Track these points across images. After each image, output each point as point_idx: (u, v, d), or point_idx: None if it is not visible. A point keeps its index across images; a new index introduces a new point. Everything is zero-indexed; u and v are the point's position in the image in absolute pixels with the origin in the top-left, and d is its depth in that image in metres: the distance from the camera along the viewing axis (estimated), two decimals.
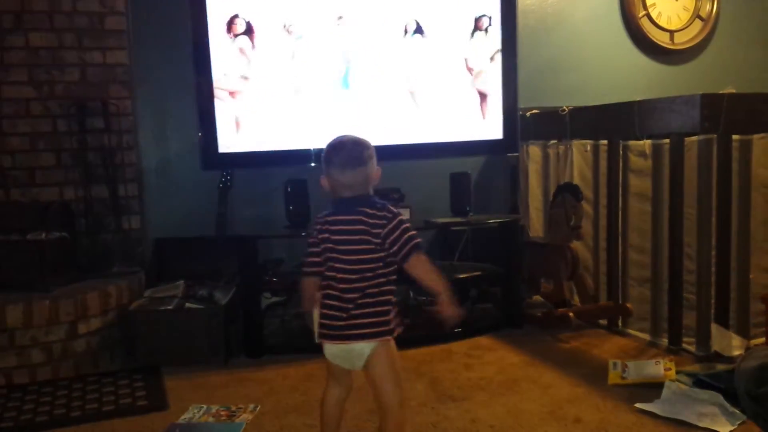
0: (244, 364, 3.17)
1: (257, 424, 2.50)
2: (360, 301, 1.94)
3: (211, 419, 2.56)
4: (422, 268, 1.97)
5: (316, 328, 2.01)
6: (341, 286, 1.96)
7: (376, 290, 1.96)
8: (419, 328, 3.40)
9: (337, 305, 1.96)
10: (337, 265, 1.98)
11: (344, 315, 1.95)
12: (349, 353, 1.99)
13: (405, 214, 3.45)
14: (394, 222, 1.94)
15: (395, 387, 2.01)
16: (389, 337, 2.00)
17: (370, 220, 1.93)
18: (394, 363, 2.02)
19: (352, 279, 1.95)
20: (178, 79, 3.64)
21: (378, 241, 1.93)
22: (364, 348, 1.97)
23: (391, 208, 1.98)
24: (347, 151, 1.99)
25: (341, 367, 2.05)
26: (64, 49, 3.49)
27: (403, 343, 3.25)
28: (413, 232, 1.95)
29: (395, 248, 1.93)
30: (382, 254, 1.95)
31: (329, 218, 2.01)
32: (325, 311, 1.99)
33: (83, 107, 3.50)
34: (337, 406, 2.10)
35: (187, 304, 3.23)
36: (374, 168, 2.02)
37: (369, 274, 1.95)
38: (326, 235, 2.00)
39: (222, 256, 3.54)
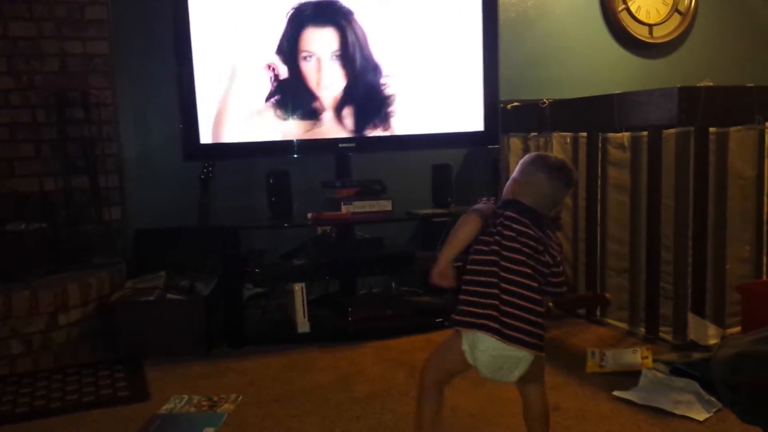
0: (225, 355, 3.18)
1: (239, 414, 2.50)
2: None
3: (192, 410, 2.56)
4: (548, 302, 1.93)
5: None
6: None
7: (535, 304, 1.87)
8: (401, 318, 3.41)
9: None
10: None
11: None
12: (516, 360, 1.85)
13: (387, 206, 3.50)
14: (562, 255, 1.95)
15: None
16: None
17: (553, 243, 1.90)
18: None
19: None
20: (159, 69, 3.62)
21: (551, 263, 1.89)
22: (526, 357, 1.85)
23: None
24: (570, 173, 1.92)
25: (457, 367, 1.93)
26: (43, 39, 3.46)
27: (383, 333, 3.32)
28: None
29: (558, 279, 1.91)
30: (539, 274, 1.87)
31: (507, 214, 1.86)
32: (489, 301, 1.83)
33: (63, 98, 3.48)
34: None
35: (169, 295, 3.22)
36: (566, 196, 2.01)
37: (534, 283, 1.87)
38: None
39: (204, 247, 3.53)
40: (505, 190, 1.96)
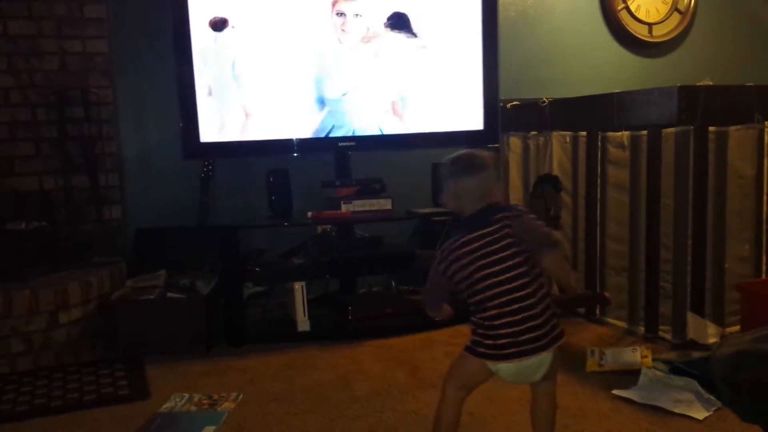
0: (225, 353, 3.18)
1: (239, 413, 2.51)
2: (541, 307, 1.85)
3: (193, 408, 2.57)
4: (554, 261, 1.87)
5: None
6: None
7: (540, 294, 1.86)
8: (401, 317, 3.42)
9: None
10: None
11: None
12: (536, 365, 1.88)
13: (387, 205, 3.50)
14: (526, 214, 1.89)
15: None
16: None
17: (498, 223, 1.85)
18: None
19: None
20: (159, 68, 3.62)
21: (515, 239, 1.83)
22: (548, 357, 1.88)
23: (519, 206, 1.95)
24: (469, 156, 1.92)
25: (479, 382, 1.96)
26: (43, 38, 3.46)
27: (383, 331, 3.32)
28: (545, 226, 1.91)
29: (531, 236, 1.85)
30: (522, 256, 1.84)
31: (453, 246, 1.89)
32: (503, 332, 1.83)
33: (63, 96, 3.48)
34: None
35: (169, 294, 3.23)
36: (497, 177, 2.00)
37: (526, 279, 1.84)
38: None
39: (204, 245, 3.53)
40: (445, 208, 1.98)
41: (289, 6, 3.47)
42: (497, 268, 1.82)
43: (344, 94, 3.55)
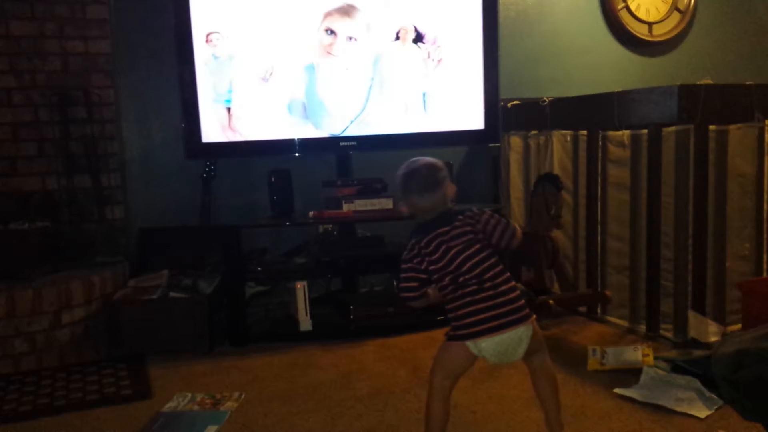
0: (228, 353, 3.19)
1: (242, 412, 2.52)
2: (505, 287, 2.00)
3: (195, 407, 2.58)
4: (519, 239, 2.08)
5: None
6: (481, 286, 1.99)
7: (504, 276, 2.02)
8: (402, 316, 3.43)
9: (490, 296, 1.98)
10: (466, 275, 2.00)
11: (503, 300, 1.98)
12: (517, 340, 1.99)
13: (388, 204, 3.50)
14: (486, 214, 2.07)
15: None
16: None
17: (465, 225, 2.04)
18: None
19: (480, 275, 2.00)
20: (161, 68, 3.64)
21: (482, 236, 2.04)
22: (527, 332, 2.00)
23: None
24: (423, 177, 2.07)
25: (467, 368, 2.07)
26: (45, 38, 3.47)
27: (385, 330, 3.33)
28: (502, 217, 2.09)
29: (498, 231, 2.05)
30: (483, 246, 2.03)
31: (421, 242, 2.04)
32: (471, 309, 1.98)
33: (65, 97, 3.48)
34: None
35: (172, 294, 3.24)
36: (449, 186, 2.10)
37: (486, 265, 2.00)
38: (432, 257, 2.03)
39: (206, 245, 3.54)
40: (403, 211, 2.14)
41: (291, 7, 3.48)
42: (465, 254, 2.00)
43: (344, 93, 3.56)
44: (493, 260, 2.01)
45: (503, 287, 1.98)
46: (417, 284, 2.06)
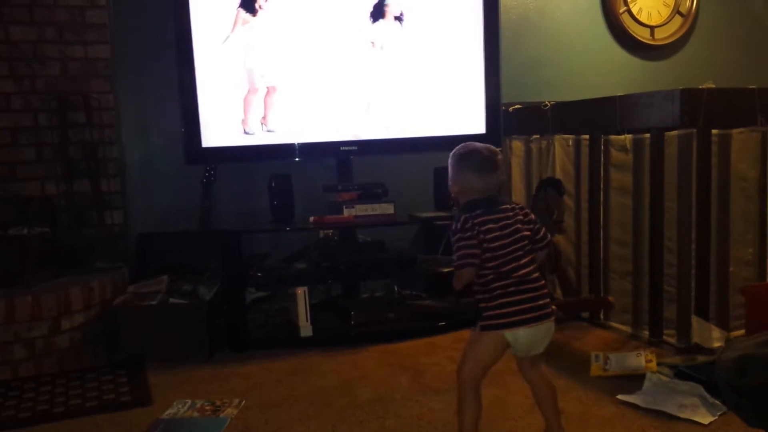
0: (228, 359, 3.17)
1: (242, 419, 2.50)
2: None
3: (195, 414, 2.56)
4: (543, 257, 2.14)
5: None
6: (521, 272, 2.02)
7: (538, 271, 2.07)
8: (403, 322, 3.41)
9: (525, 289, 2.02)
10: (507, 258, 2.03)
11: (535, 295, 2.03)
12: (544, 333, 2.05)
13: (389, 209, 3.49)
14: (532, 214, 2.12)
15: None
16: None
17: (516, 214, 2.06)
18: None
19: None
20: (161, 73, 3.63)
21: (531, 229, 2.08)
22: (552, 326, 2.05)
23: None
24: (484, 156, 2.06)
25: (498, 359, 2.07)
26: (44, 43, 3.46)
27: (386, 336, 3.31)
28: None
29: (540, 235, 2.10)
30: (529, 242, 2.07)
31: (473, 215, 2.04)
32: (513, 299, 2.01)
33: (64, 101, 3.48)
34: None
35: (171, 299, 3.22)
36: (502, 174, 2.12)
37: (528, 259, 2.05)
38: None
39: (206, 250, 3.53)
40: (451, 191, 2.13)
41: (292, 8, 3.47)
42: (514, 243, 2.02)
43: (345, 97, 3.55)
44: (532, 256, 2.06)
45: (539, 282, 2.04)
46: (477, 252, 2.01)
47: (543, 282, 2.05)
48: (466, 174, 2.06)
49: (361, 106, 3.58)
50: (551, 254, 3.49)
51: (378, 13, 3.55)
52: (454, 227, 2.05)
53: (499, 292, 2.01)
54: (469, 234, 2.02)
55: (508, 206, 2.07)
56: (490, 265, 2.01)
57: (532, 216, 2.11)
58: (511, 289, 2.00)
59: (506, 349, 2.04)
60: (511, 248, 2.02)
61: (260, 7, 3.42)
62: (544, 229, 2.11)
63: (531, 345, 2.04)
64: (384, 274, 3.66)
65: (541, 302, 2.02)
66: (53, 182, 3.51)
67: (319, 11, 3.49)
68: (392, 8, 3.56)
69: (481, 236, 2.01)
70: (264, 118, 3.47)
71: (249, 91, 3.45)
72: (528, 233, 2.06)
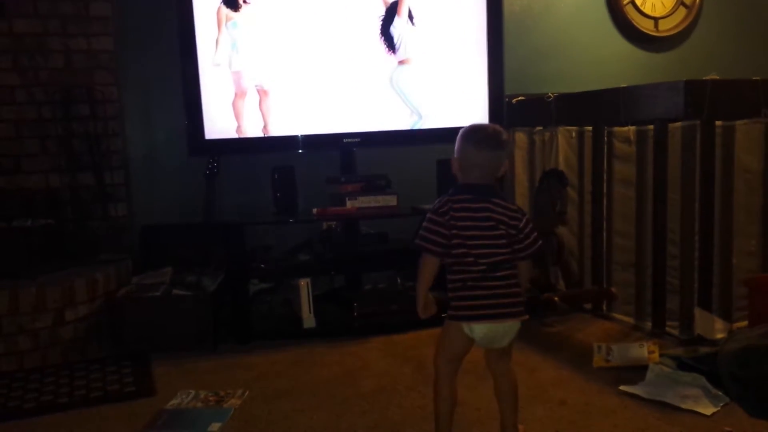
0: (232, 350, 3.18)
1: (245, 410, 2.51)
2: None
3: (199, 405, 2.57)
4: (528, 267, 2.07)
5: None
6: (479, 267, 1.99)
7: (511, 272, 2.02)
8: (406, 314, 3.41)
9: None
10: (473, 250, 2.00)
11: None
12: (502, 331, 2.03)
13: (392, 201, 3.49)
14: (526, 219, 2.03)
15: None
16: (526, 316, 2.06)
17: (504, 211, 2.00)
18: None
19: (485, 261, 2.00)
20: (164, 65, 3.63)
21: (513, 232, 2.00)
22: (514, 326, 2.02)
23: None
24: (487, 133, 2.04)
25: (467, 349, 2.07)
26: (48, 36, 3.47)
27: (389, 328, 3.32)
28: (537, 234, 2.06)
29: (525, 243, 2.02)
30: (507, 242, 2.00)
31: (453, 200, 2.02)
32: (472, 293, 2.00)
33: (68, 94, 3.49)
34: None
35: (175, 291, 3.23)
36: (505, 160, 2.07)
37: (500, 258, 1.99)
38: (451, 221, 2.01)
39: (210, 242, 3.54)
40: (453, 170, 2.09)
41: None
42: (487, 239, 1.98)
43: (348, 89, 3.55)
44: (507, 257, 1.99)
45: (508, 281, 1.99)
46: (441, 241, 1.99)
47: (514, 282, 2.00)
48: (465, 147, 2.03)
49: (363, 98, 3.57)
50: (554, 246, 3.50)
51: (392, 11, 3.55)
52: (432, 206, 2.04)
53: (460, 284, 2.00)
54: (440, 220, 2.00)
55: (501, 202, 2.01)
56: (455, 252, 1.98)
57: (527, 224, 2.02)
58: (470, 283, 1.98)
59: (471, 340, 2.03)
60: (481, 241, 1.98)
61: (244, 1, 3.40)
62: (531, 241, 2.02)
63: (489, 340, 2.02)
64: (387, 265, 3.66)
65: (504, 301, 1.99)
66: (57, 175, 3.51)
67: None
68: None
69: (452, 222, 1.98)
70: (265, 127, 3.47)
71: (236, 95, 3.44)
72: (506, 233, 1.99)
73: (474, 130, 2.06)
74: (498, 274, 1.98)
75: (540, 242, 2.05)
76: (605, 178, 3.38)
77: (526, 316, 2.03)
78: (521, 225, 2.01)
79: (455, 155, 2.07)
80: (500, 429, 2.14)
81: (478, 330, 1.99)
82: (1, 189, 3.41)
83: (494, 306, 1.98)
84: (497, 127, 2.07)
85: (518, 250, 2.01)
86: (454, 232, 1.98)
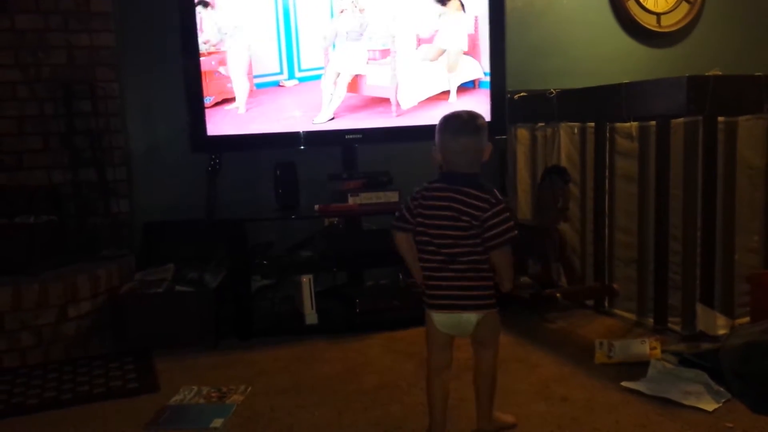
0: (234, 347, 3.19)
1: (248, 405, 2.52)
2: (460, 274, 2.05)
3: (202, 401, 2.57)
4: (501, 259, 2.03)
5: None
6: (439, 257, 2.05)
7: (473, 266, 2.04)
8: (408, 310, 3.42)
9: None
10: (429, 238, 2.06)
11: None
12: (457, 322, 2.08)
13: (394, 197, 3.49)
14: (497, 208, 1.99)
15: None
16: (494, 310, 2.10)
17: (470, 200, 1.99)
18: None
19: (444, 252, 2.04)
20: (166, 61, 3.62)
21: (476, 222, 1.99)
22: (470, 318, 2.06)
23: (497, 194, 2.04)
24: (462, 120, 2.05)
25: (445, 338, 2.12)
26: (50, 32, 3.46)
27: (391, 324, 3.32)
28: (511, 224, 2.01)
29: (491, 233, 1.99)
30: (474, 233, 2.00)
31: (428, 187, 2.08)
32: (431, 283, 2.08)
33: (70, 90, 3.48)
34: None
35: (177, 287, 3.23)
36: (485, 142, 2.06)
37: (458, 250, 2.02)
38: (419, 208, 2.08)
39: (212, 239, 3.54)
40: (435, 162, 2.12)
41: None
42: (449, 228, 2.01)
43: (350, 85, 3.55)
44: (469, 248, 2.00)
45: (467, 273, 2.02)
46: (407, 225, 2.08)
47: (477, 275, 2.02)
48: (443, 136, 2.05)
49: (368, 92, 3.57)
50: (556, 242, 3.50)
51: None
52: None
53: (427, 272, 2.08)
54: (409, 205, 2.08)
55: (472, 191, 1.99)
56: (418, 239, 2.06)
57: (496, 214, 1.98)
58: (428, 273, 2.06)
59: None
60: (442, 231, 2.01)
61: None
62: (499, 231, 1.98)
63: (450, 329, 2.09)
64: (389, 262, 3.65)
65: (460, 293, 2.03)
66: (59, 171, 3.51)
67: None
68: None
69: (419, 210, 2.05)
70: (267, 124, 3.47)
71: (215, 101, 3.43)
72: (469, 224, 1.98)
73: (449, 119, 2.07)
74: (456, 266, 2.01)
75: (516, 232, 2.01)
76: (607, 174, 3.38)
77: (491, 309, 2.07)
78: (486, 215, 1.98)
79: (436, 145, 2.09)
80: (476, 421, 2.19)
81: (437, 318, 2.08)
82: (3, 185, 3.41)
83: (449, 297, 2.04)
84: (472, 112, 2.09)
85: (485, 239, 1.99)
86: (419, 219, 2.05)
